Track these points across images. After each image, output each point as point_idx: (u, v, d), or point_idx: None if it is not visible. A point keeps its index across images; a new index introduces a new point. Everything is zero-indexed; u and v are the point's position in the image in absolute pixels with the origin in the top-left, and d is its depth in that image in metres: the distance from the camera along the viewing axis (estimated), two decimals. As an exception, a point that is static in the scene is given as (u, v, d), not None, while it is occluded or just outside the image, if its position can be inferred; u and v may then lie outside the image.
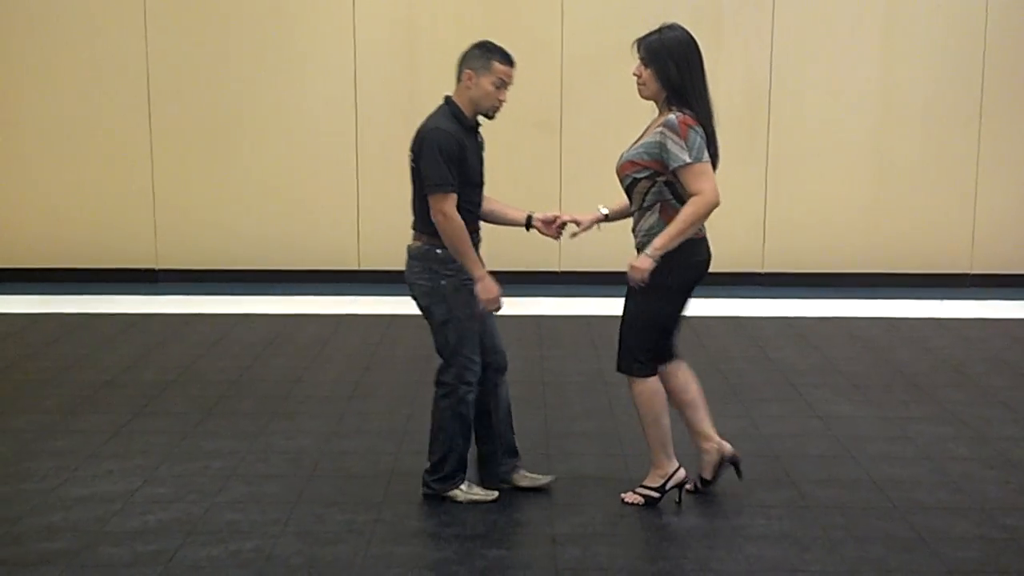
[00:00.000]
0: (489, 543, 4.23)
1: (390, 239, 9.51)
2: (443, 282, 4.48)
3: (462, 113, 4.48)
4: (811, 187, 9.51)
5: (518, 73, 4.53)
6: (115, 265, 9.51)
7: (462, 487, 4.62)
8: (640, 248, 4.47)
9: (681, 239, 4.32)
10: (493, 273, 4.51)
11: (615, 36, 9.22)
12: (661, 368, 4.63)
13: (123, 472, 4.94)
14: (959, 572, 4.01)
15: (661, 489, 4.59)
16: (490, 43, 4.50)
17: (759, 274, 9.58)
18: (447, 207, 4.36)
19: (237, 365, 6.74)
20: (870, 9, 9.32)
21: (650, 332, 4.51)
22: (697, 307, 8.31)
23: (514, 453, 4.80)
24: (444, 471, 4.60)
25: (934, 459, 5.18)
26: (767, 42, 9.29)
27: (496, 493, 4.64)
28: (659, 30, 4.47)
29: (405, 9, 9.28)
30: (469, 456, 4.69)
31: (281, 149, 9.43)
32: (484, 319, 4.61)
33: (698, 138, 4.30)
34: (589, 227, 4.78)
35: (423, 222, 4.51)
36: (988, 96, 9.37)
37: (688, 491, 4.69)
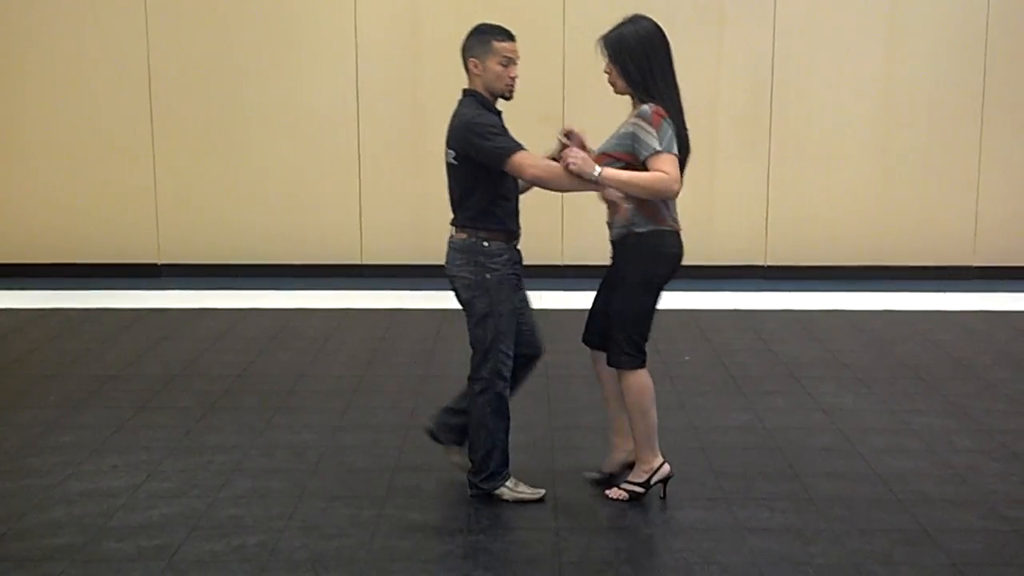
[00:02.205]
0: (493, 537, 4.24)
1: (393, 233, 9.60)
2: (488, 275, 4.45)
3: (487, 100, 4.46)
4: (814, 180, 9.50)
5: (521, 68, 4.51)
6: (118, 260, 9.51)
7: (508, 484, 4.56)
8: (616, 241, 4.48)
9: (625, 188, 4.26)
10: None
11: (617, 29, 9.22)
12: (600, 354, 4.63)
13: (127, 467, 4.94)
14: (963, 564, 4.00)
15: (646, 484, 4.57)
16: (484, 25, 4.49)
17: (762, 267, 9.57)
18: (528, 164, 4.29)
19: (241, 360, 6.74)
20: (873, 2, 9.30)
21: (635, 324, 4.48)
22: (700, 300, 8.44)
23: (463, 442, 4.74)
24: (489, 468, 4.53)
25: (938, 452, 5.18)
26: (770, 34, 9.27)
27: (543, 491, 4.58)
28: (621, 25, 4.44)
29: (407, 4, 9.27)
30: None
31: (283, 143, 9.42)
32: (524, 313, 4.61)
33: (669, 129, 4.30)
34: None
35: (467, 216, 4.49)
36: (991, 89, 9.35)
37: (591, 478, 4.71)
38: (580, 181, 4.27)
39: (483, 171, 4.41)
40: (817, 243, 9.57)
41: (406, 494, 4.64)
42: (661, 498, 4.59)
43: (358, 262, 9.54)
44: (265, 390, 6.13)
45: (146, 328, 7.54)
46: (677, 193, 4.31)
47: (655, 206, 4.41)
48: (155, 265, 9.56)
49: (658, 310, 4.53)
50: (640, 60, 4.36)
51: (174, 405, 5.86)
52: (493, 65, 4.41)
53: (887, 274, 9.51)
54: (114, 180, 9.45)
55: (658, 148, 4.26)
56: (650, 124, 4.28)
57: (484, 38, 4.44)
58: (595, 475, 4.75)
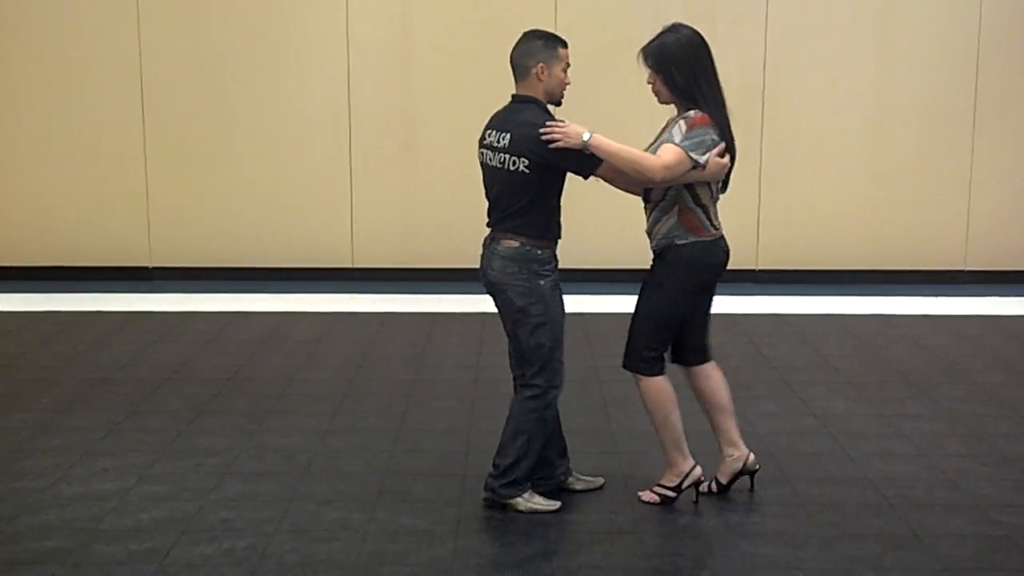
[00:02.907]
0: (483, 541, 4.23)
1: (384, 237, 9.60)
2: (542, 282, 4.42)
3: (546, 107, 4.46)
4: (805, 184, 9.51)
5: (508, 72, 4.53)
6: (109, 263, 9.49)
7: (524, 495, 4.51)
8: (657, 251, 4.49)
9: (611, 158, 4.26)
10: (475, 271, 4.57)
11: (609, 33, 9.23)
12: (694, 369, 4.65)
13: (117, 470, 4.93)
14: (954, 569, 4.01)
15: (677, 488, 4.58)
16: (541, 32, 4.49)
17: (753, 271, 9.58)
18: (653, 160, 4.28)
19: (232, 363, 6.73)
20: (865, 5, 9.32)
21: (656, 330, 4.50)
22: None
23: (565, 454, 4.76)
24: (514, 476, 4.47)
25: (929, 456, 5.18)
26: (761, 39, 9.28)
27: (558, 504, 4.54)
28: (661, 34, 4.43)
29: (399, 7, 9.27)
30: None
31: (275, 147, 9.41)
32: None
33: (705, 138, 4.30)
34: None
35: (520, 223, 4.41)
36: (982, 92, 9.38)
37: (702, 492, 4.65)
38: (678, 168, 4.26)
39: (556, 179, 4.41)
40: (808, 247, 9.59)
41: (396, 498, 4.64)
42: (694, 502, 4.58)
43: (349, 265, 9.53)
44: (256, 393, 6.12)
45: (137, 331, 7.53)
46: (655, 178, 4.26)
47: (696, 218, 4.43)
48: (146, 268, 9.55)
49: (711, 313, 4.56)
50: (684, 69, 4.36)
51: (165, 408, 5.85)
52: (558, 71, 4.43)
53: (879, 278, 9.52)
54: (106, 183, 9.44)
55: (676, 141, 4.27)
56: (688, 126, 4.30)
57: (551, 44, 4.44)
58: (709, 485, 4.69)
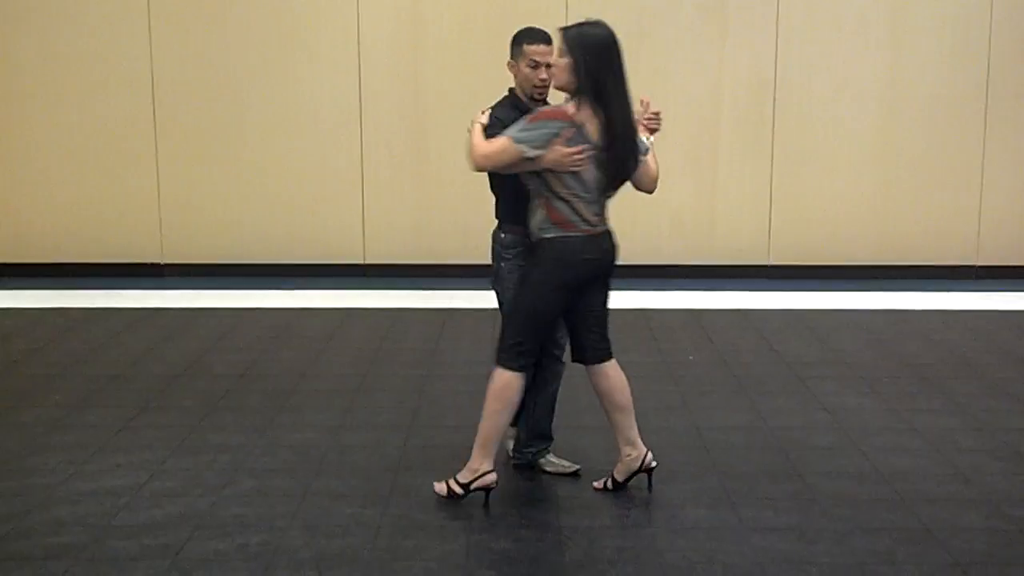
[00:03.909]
0: (496, 536, 4.24)
1: (396, 233, 9.60)
2: (503, 264, 4.68)
3: (519, 101, 4.58)
4: (817, 179, 9.49)
5: None
6: (121, 260, 9.51)
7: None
8: (532, 243, 4.48)
9: (470, 136, 4.41)
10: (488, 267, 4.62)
11: (621, 27, 9.17)
12: (592, 368, 4.60)
13: (130, 466, 4.95)
14: (966, 564, 4.00)
15: (466, 487, 4.51)
16: (523, 29, 4.62)
17: (765, 266, 9.57)
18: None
19: (243, 359, 6.74)
20: (876, 2, 9.29)
21: (522, 323, 4.44)
22: (704, 300, 8.44)
23: (543, 437, 4.90)
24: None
25: (941, 451, 5.17)
26: (772, 34, 9.26)
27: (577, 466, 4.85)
28: (582, 24, 4.39)
29: (409, 4, 9.27)
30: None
31: (286, 143, 9.42)
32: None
33: (543, 131, 4.25)
34: None
35: (497, 208, 4.72)
36: (994, 88, 9.35)
37: (596, 488, 4.66)
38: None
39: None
40: (820, 243, 9.57)
41: (409, 493, 4.64)
42: (483, 506, 4.51)
43: (361, 261, 9.54)
44: (268, 389, 6.13)
45: (149, 328, 7.55)
46: (477, 168, 4.38)
47: (560, 212, 4.37)
48: (158, 265, 9.57)
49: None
50: (594, 63, 4.28)
51: (177, 404, 5.86)
52: (523, 67, 4.53)
53: (890, 273, 9.50)
54: (118, 180, 9.46)
55: (509, 132, 4.30)
56: (531, 118, 4.30)
57: (518, 41, 4.57)
58: (605, 483, 4.71)
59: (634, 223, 9.04)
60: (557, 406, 4.93)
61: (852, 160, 9.46)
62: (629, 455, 4.65)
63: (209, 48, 9.30)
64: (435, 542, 4.18)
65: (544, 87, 4.54)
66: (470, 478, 4.51)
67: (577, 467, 4.85)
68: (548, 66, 4.48)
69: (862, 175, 9.49)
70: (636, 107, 4.46)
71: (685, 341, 7.18)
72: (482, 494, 4.52)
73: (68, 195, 9.49)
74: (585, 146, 4.27)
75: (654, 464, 4.69)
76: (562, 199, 4.35)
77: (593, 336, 4.58)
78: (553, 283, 4.40)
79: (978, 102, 9.37)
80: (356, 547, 4.12)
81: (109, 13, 9.24)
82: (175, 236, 9.55)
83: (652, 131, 4.59)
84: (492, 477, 4.50)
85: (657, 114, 4.60)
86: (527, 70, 4.51)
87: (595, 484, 4.68)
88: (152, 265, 9.56)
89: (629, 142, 4.38)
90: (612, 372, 4.63)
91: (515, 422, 4.80)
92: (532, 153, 4.26)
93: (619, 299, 7.94)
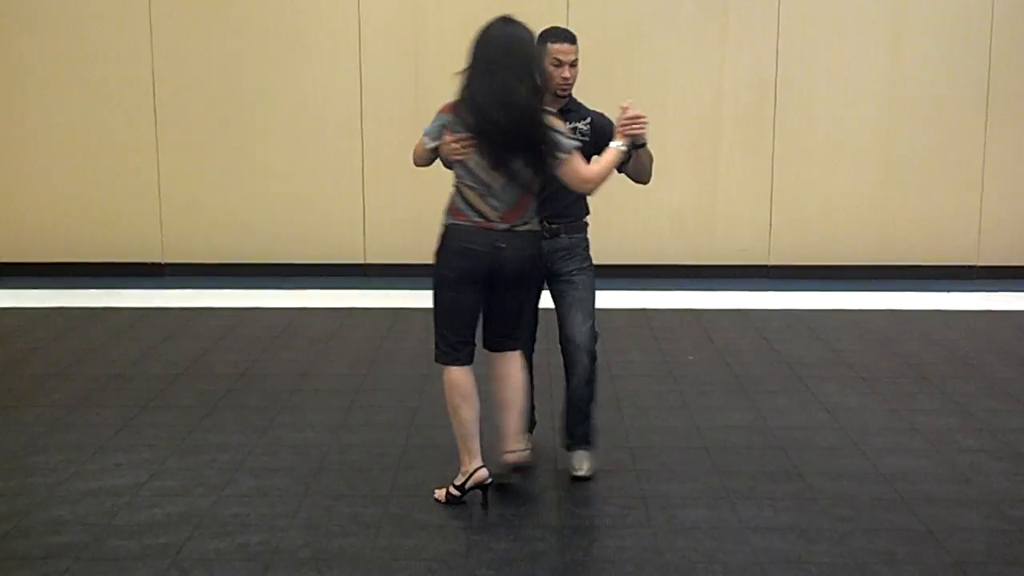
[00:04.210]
0: (496, 535, 4.24)
1: (397, 232, 9.60)
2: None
3: (544, 98, 4.56)
4: (818, 179, 9.49)
5: None
6: (122, 259, 9.52)
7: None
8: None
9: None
10: None
11: (622, 27, 9.21)
12: (490, 355, 4.61)
13: (131, 465, 4.95)
14: (967, 564, 4.00)
15: (461, 488, 4.50)
16: (548, 28, 4.68)
17: (766, 266, 9.57)
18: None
19: (244, 359, 6.75)
20: (877, 1, 9.29)
21: (436, 318, 4.50)
22: (704, 299, 8.43)
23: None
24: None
25: (942, 451, 5.17)
26: (773, 33, 9.26)
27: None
28: (495, 18, 4.47)
29: (410, 3, 9.27)
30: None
31: (287, 142, 9.43)
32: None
33: (435, 124, 4.43)
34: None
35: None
36: (995, 88, 9.35)
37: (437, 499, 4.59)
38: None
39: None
40: (821, 242, 9.57)
41: (410, 492, 4.64)
42: (482, 505, 4.50)
43: (362, 261, 9.55)
44: (269, 389, 6.13)
45: (150, 327, 7.55)
46: (414, 163, 4.58)
47: (455, 201, 4.46)
48: (159, 264, 9.57)
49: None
50: (470, 54, 4.40)
51: (178, 404, 5.87)
52: (546, 66, 4.56)
53: (891, 273, 9.50)
54: (118, 179, 9.46)
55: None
56: (441, 109, 4.46)
57: (543, 38, 4.61)
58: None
59: (635, 223, 9.04)
60: (557, 407, 4.94)
61: (852, 160, 9.46)
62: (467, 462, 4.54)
63: (210, 47, 9.31)
64: (435, 542, 4.18)
65: (567, 85, 4.63)
66: (463, 480, 4.52)
67: (530, 448, 4.83)
68: (572, 64, 4.59)
69: (862, 175, 9.49)
70: (640, 111, 4.44)
71: (685, 341, 7.18)
72: (482, 494, 4.51)
73: (68, 195, 9.49)
74: (462, 135, 4.35)
75: (488, 481, 4.52)
76: (456, 188, 4.46)
77: (496, 328, 4.57)
78: (442, 272, 4.46)
79: (978, 102, 9.37)
80: (357, 546, 4.13)
81: (110, 13, 9.25)
82: (176, 236, 9.55)
83: (634, 135, 4.45)
84: (483, 473, 4.49)
85: (637, 118, 4.42)
86: (551, 68, 4.57)
87: (438, 491, 4.60)
88: (153, 265, 9.56)
89: (508, 133, 4.30)
90: (508, 366, 4.59)
91: (530, 428, 4.85)
92: (431, 144, 4.47)
93: (619, 299, 7.99)
